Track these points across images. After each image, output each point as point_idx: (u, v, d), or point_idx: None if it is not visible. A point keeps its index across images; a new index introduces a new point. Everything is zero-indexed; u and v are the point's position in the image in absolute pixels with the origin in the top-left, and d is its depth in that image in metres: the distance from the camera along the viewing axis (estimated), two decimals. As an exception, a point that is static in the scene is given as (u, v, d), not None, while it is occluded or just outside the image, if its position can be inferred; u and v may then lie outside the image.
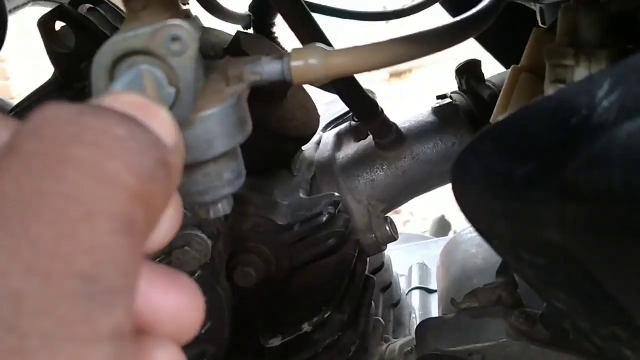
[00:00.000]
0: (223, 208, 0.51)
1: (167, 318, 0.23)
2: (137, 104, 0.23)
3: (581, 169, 0.34)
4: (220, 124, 0.45)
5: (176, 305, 0.23)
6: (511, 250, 0.43)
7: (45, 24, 0.72)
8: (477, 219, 0.44)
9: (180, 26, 0.40)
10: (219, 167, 0.48)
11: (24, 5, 1.31)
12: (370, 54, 0.48)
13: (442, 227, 2.57)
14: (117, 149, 0.20)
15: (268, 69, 0.48)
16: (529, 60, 0.61)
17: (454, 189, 0.44)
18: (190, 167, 0.47)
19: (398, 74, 5.38)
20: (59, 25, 0.74)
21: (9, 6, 1.31)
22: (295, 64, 0.47)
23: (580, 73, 0.48)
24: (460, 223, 2.38)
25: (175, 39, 0.40)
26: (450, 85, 0.89)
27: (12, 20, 0.82)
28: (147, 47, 0.41)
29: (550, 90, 0.50)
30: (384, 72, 5.24)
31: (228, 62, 0.47)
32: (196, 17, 0.84)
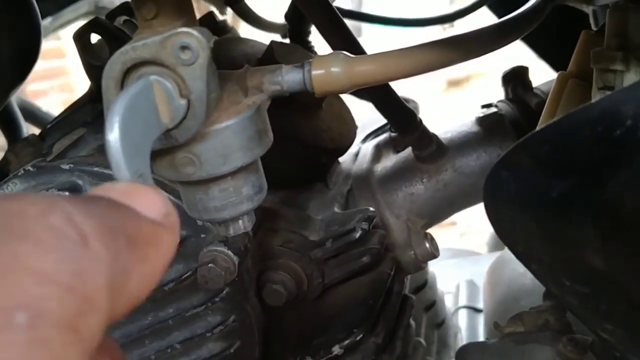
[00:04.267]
0: (244, 224, 0.49)
1: None
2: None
3: (624, 186, 0.30)
4: (237, 136, 0.43)
5: None
6: (551, 276, 0.39)
7: (80, 37, 0.72)
8: (512, 240, 0.40)
9: (189, 34, 0.38)
10: (237, 182, 0.46)
11: (75, 19, 1.34)
12: (398, 60, 0.45)
13: (499, 240, 2.49)
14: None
15: (288, 78, 0.45)
16: (577, 65, 0.57)
17: (486, 206, 0.40)
18: (206, 182, 0.45)
19: (455, 83, 5.29)
20: (95, 37, 0.74)
21: (59, 21, 1.34)
22: (316, 72, 0.45)
23: (630, 78, 0.43)
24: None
25: (184, 47, 0.38)
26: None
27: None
28: (156, 57, 0.39)
29: (598, 97, 0.46)
30: (441, 81, 5.17)
31: (246, 72, 0.45)
32: (232, 27, 0.83)
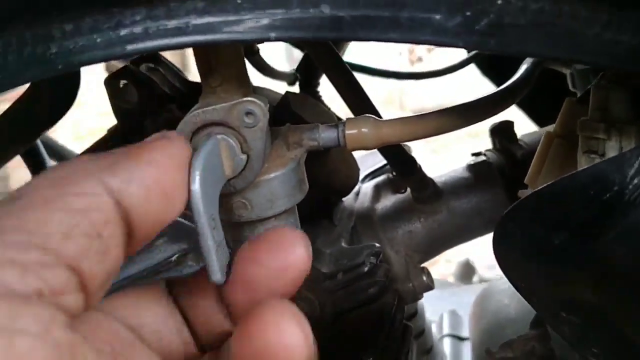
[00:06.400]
0: (280, 259, 0.56)
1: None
2: None
3: (613, 241, 0.38)
4: (283, 185, 0.50)
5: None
6: (548, 308, 0.47)
7: (111, 81, 0.79)
8: (517, 279, 0.48)
9: (254, 102, 0.45)
10: (279, 223, 0.53)
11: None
12: (417, 124, 0.53)
13: (466, 270, 2.58)
14: None
15: (324, 135, 0.53)
16: (562, 127, 0.65)
17: (495, 251, 0.48)
18: (254, 222, 0.52)
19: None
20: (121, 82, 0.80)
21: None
22: (349, 132, 0.52)
23: (611, 146, 0.52)
24: (484, 267, 2.41)
25: (249, 113, 0.45)
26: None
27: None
28: (224, 120, 0.46)
29: (582, 159, 0.54)
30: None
31: (288, 129, 0.53)
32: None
